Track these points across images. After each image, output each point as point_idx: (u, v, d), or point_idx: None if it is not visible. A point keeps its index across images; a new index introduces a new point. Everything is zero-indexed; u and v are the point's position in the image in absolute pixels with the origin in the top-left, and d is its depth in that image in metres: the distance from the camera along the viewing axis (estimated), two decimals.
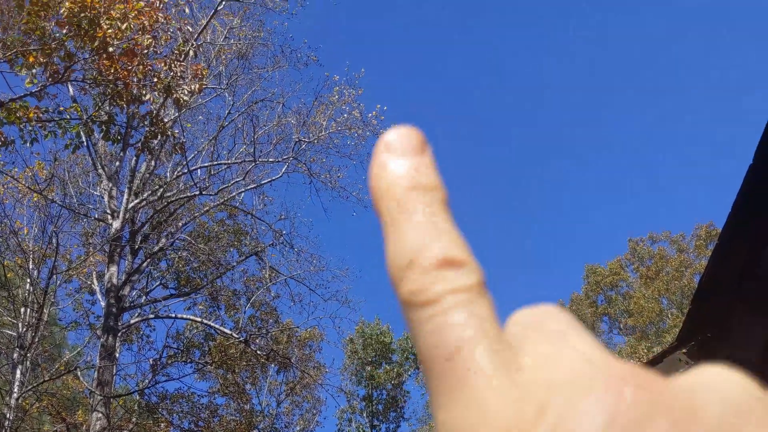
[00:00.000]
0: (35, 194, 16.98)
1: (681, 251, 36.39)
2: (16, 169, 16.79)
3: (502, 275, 55.64)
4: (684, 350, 4.25)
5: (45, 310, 16.95)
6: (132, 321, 18.16)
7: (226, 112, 18.77)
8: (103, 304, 16.50)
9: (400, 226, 0.30)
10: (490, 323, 0.27)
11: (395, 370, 33.17)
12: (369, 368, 33.15)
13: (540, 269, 56.83)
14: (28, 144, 10.63)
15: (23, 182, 16.86)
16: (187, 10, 14.90)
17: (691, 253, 36.10)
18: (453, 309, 0.27)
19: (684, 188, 55.73)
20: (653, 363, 4.32)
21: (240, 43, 19.28)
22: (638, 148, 58.23)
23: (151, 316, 18.73)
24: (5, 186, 17.97)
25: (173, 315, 18.69)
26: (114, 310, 15.97)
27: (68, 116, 10.89)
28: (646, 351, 29.82)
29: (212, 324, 18.78)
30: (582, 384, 0.24)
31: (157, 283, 20.44)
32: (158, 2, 10.88)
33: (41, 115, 10.47)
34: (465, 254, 0.29)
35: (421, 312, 0.27)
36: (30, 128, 10.42)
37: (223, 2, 17.94)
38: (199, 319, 19.04)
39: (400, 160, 0.31)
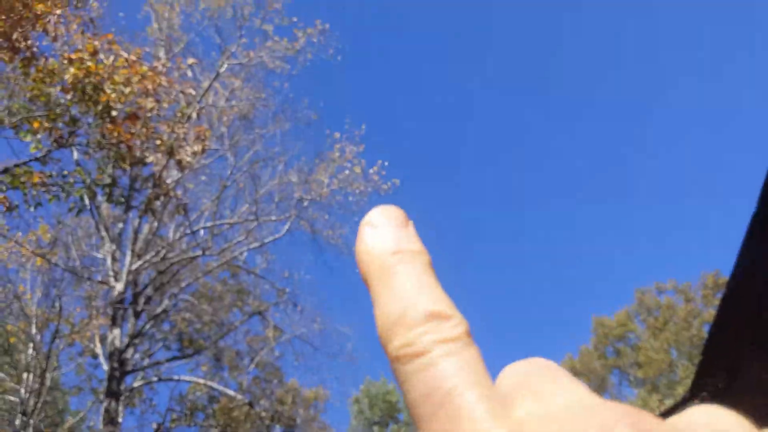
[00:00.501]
0: (38, 258, 16.99)
1: (688, 301, 36.08)
2: (20, 234, 16.86)
3: (509, 330, 55.16)
4: (697, 402, 4.17)
5: (47, 375, 16.77)
6: (135, 384, 17.94)
7: (228, 172, 18.93)
8: (105, 367, 16.32)
9: (386, 288, 0.31)
10: (480, 371, 0.28)
11: (402, 429, 32.61)
12: (376, 428, 32.60)
13: (546, 322, 56.38)
14: (32, 208, 10.68)
15: (27, 246, 16.89)
16: (189, 74, 15.16)
17: (698, 302, 35.80)
18: (442, 358, 0.28)
19: (688, 235, 55.67)
20: (665, 416, 4.24)
21: (241, 104, 19.55)
22: (641, 194, 58.43)
23: (155, 378, 18.51)
24: (9, 250, 17.99)
25: (176, 377, 18.47)
26: (117, 373, 15.79)
27: (72, 180, 10.97)
28: (657, 403, 29.32)
29: (216, 385, 18.55)
30: (576, 427, 0.24)
31: (160, 345, 20.28)
32: (161, 66, 11.08)
33: (45, 179, 10.55)
34: (450, 308, 0.30)
35: (411, 365, 0.28)
36: (34, 193, 10.49)
37: (225, 65, 18.28)
38: (202, 381, 18.81)
39: (383, 231, 0.33)
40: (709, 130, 57.67)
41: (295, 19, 19.06)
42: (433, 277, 0.32)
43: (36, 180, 10.30)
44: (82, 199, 11.49)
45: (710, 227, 53.72)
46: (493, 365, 0.31)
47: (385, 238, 0.33)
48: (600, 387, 35.90)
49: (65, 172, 11.01)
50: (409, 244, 0.33)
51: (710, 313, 32.96)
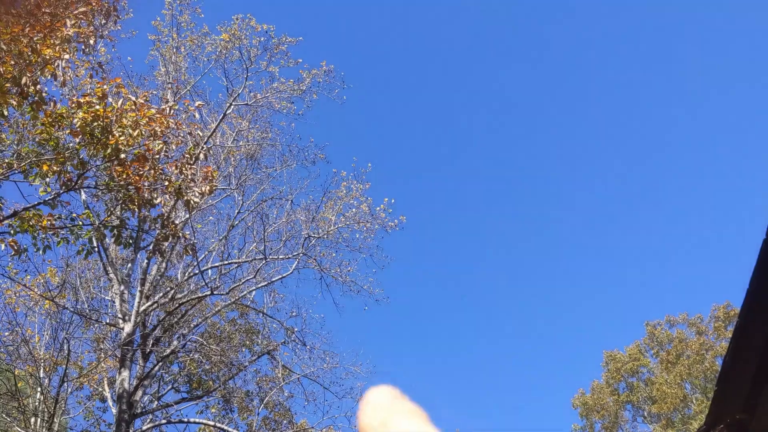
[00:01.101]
0: (47, 301, 16.99)
1: (700, 333, 35.68)
2: (28, 277, 16.89)
3: (521, 366, 54.56)
4: None
5: (55, 420, 16.65)
6: (144, 427, 17.76)
7: (236, 211, 19.00)
8: (114, 411, 16.19)
9: None
10: None
11: None
12: None
13: (558, 357, 55.83)
14: (40, 252, 10.71)
15: (35, 289, 16.91)
16: (197, 115, 15.31)
17: (710, 335, 35.38)
18: None
19: (697, 266, 55.30)
20: None
21: (248, 145, 19.70)
22: (648, 227, 58.26)
23: (163, 421, 18.33)
24: (17, 294, 18.00)
25: (186, 419, 18.29)
26: (126, 416, 15.66)
27: (80, 222, 11.01)
28: None
29: (225, 427, 18.35)
30: None
31: (169, 387, 20.13)
32: (169, 109, 11.18)
33: (54, 222, 10.59)
34: None
35: None
36: (43, 236, 10.52)
37: (232, 106, 18.46)
38: (212, 423, 18.62)
39: (381, 404, 0.37)
40: (720, 160, 57.67)
41: (300, 61, 19.30)
42: (429, 424, 0.35)
43: (45, 223, 10.35)
44: (90, 241, 11.53)
45: (719, 258, 53.41)
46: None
47: (384, 408, 0.36)
48: (613, 423, 35.33)
49: (74, 215, 11.07)
50: (406, 406, 0.36)
51: (723, 345, 32.59)
